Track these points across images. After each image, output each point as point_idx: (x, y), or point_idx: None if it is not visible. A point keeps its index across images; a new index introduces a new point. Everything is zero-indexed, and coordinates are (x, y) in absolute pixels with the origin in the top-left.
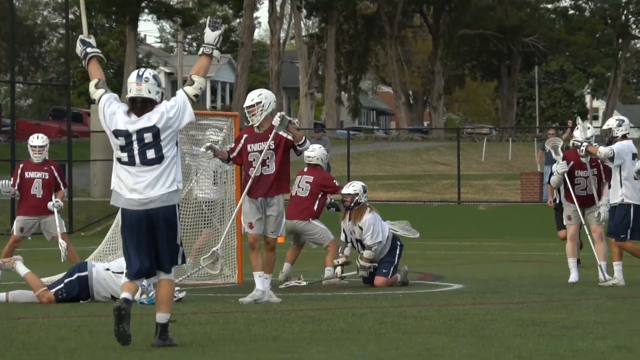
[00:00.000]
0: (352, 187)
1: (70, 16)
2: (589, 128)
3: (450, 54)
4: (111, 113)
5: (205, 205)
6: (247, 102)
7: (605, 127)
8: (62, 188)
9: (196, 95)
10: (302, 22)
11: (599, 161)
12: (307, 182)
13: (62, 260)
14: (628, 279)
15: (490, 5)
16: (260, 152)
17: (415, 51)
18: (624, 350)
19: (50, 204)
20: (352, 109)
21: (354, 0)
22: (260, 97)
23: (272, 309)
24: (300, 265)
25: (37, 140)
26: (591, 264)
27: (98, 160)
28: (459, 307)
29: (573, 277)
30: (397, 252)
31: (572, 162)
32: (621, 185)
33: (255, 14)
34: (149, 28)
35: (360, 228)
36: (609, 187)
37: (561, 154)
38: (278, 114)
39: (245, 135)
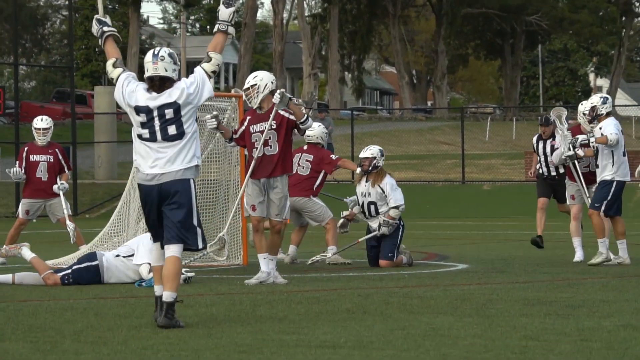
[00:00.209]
0: (370, 151)
1: None
2: (567, 135)
3: (454, 33)
4: (130, 91)
5: (210, 185)
6: (245, 86)
7: (589, 104)
8: (67, 170)
9: (214, 72)
10: (305, 2)
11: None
12: (307, 160)
13: (72, 242)
14: (634, 258)
15: None
16: (262, 132)
17: (419, 30)
18: (629, 328)
19: (55, 187)
20: (355, 89)
21: None
22: (255, 79)
23: (278, 290)
24: (305, 246)
25: (42, 122)
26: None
27: (102, 142)
28: (464, 287)
29: (578, 256)
30: (400, 233)
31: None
32: (613, 163)
33: None
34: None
35: (382, 190)
36: (597, 166)
37: (566, 124)
38: (278, 91)
39: (248, 117)
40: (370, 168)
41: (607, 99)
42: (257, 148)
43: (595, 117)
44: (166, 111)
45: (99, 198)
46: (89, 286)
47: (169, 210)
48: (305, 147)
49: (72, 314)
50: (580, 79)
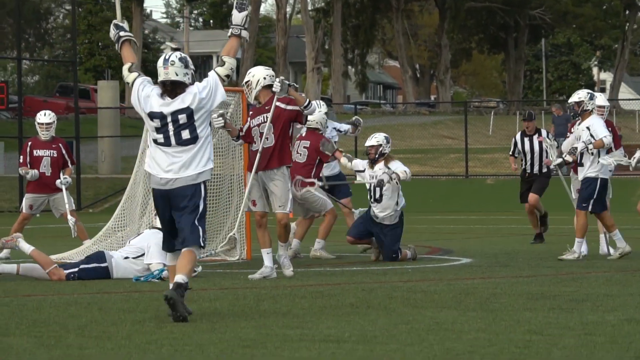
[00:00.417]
0: (375, 139)
1: None
2: (554, 144)
3: (457, 27)
4: (145, 96)
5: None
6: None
7: (576, 98)
8: (70, 165)
9: (227, 76)
10: None
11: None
12: (304, 147)
13: (73, 236)
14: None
15: None
16: (259, 125)
17: (422, 25)
18: (633, 322)
19: (58, 182)
20: (359, 83)
21: None
22: (248, 76)
23: (282, 284)
24: (310, 241)
25: (45, 117)
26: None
27: (105, 137)
28: (468, 281)
29: (582, 250)
30: (402, 228)
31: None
32: (598, 161)
33: None
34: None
35: (389, 168)
36: (580, 164)
37: (552, 137)
38: (277, 79)
39: (250, 113)
40: (377, 156)
41: (594, 95)
42: (256, 142)
43: (581, 112)
44: (179, 116)
45: (103, 192)
46: (93, 281)
47: (180, 214)
48: (303, 134)
49: (76, 309)
50: (584, 73)
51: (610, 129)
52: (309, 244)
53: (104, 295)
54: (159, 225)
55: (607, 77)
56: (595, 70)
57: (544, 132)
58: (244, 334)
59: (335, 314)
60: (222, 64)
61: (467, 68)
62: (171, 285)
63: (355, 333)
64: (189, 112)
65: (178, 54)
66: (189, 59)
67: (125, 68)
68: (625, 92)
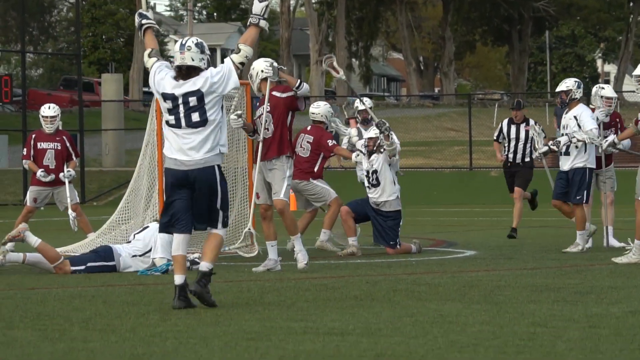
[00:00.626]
0: (374, 131)
1: None
2: (541, 133)
3: (461, 20)
4: (160, 79)
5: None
6: None
7: (564, 87)
8: (74, 158)
9: (242, 63)
10: None
11: (617, 123)
12: (307, 142)
13: (74, 231)
14: None
15: None
16: (260, 117)
17: (426, 17)
18: (638, 315)
19: (62, 175)
20: (363, 75)
21: None
22: (251, 69)
23: (286, 277)
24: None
25: (49, 110)
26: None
27: (109, 129)
28: (472, 274)
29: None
30: (400, 219)
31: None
32: (586, 150)
33: None
34: None
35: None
36: (566, 153)
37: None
38: (266, 63)
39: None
40: (375, 148)
41: (581, 83)
42: (259, 134)
43: (569, 101)
44: (190, 99)
45: (107, 185)
46: (97, 274)
47: (199, 197)
48: (308, 128)
49: (81, 302)
50: (588, 65)
51: (618, 119)
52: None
53: (108, 288)
54: None
55: (611, 69)
56: (599, 62)
57: (531, 122)
58: (248, 327)
59: (340, 306)
60: (238, 51)
61: (471, 60)
62: (176, 277)
63: (360, 326)
64: (199, 94)
65: (194, 39)
66: (205, 44)
67: (145, 53)
68: (629, 84)
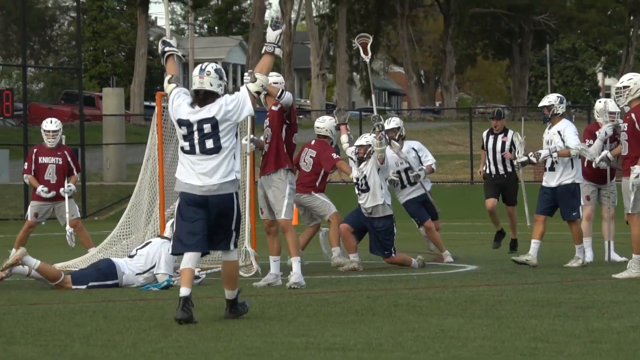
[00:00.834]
0: (365, 139)
1: None
2: (523, 142)
3: (462, 33)
4: (177, 105)
5: None
6: None
7: (546, 102)
8: (75, 173)
9: (257, 92)
10: (312, 3)
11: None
12: (310, 156)
13: (71, 247)
14: None
15: None
16: (263, 131)
17: (427, 31)
18: (639, 330)
19: (62, 190)
20: (364, 89)
21: None
22: None
23: (287, 292)
24: (313, 248)
25: (51, 124)
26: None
27: (111, 144)
28: (473, 289)
29: (588, 256)
30: (394, 224)
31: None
32: (572, 166)
33: None
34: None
35: (413, 150)
36: (551, 169)
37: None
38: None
39: None
40: (365, 155)
41: (564, 99)
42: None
43: (551, 116)
44: (204, 126)
45: (108, 200)
46: (98, 289)
47: (215, 221)
48: (312, 142)
49: (82, 317)
50: (589, 78)
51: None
52: (312, 251)
53: (109, 304)
54: (167, 235)
55: (612, 82)
56: (600, 75)
57: (510, 133)
58: (249, 342)
59: (341, 321)
60: (254, 80)
61: (472, 74)
62: (182, 289)
63: (361, 341)
64: (213, 122)
65: (214, 65)
66: (223, 71)
67: (166, 79)
68: None
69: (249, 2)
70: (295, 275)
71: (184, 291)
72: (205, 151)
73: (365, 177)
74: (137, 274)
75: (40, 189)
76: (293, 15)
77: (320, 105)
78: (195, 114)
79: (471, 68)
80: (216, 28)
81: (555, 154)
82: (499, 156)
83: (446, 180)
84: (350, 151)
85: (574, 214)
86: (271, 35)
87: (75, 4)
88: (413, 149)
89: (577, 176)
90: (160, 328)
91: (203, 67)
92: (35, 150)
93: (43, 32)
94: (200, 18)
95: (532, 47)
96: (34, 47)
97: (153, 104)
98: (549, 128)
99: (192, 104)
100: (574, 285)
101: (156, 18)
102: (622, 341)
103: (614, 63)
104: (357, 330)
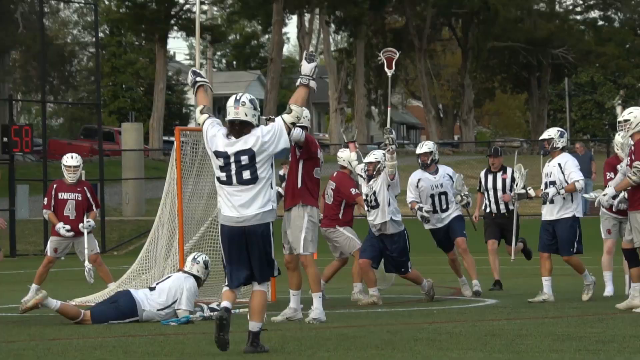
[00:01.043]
0: (374, 156)
1: (99, 34)
2: (524, 175)
3: (480, 67)
4: (212, 135)
5: None
6: None
7: (546, 136)
8: (95, 208)
9: (293, 123)
10: (330, 37)
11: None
12: (331, 188)
13: (89, 283)
14: None
15: (519, 18)
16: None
17: (445, 64)
18: None
19: (81, 225)
20: (382, 123)
21: (383, 15)
22: None
23: (307, 326)
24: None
25: (72, 160)
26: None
27: (130, 179)
28: (493, 323)
29: (608, 290)
30: (407, 241)
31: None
32: (573, 200)
33: (284, 30)
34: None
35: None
36: (550, 201)
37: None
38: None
39: None
40: (374, 172)
41: (564, 132)
42: None
43: (551, 150)
44: (242, 157)
45: (127, 235)
46: (117, 324)
47: (253, 251)
48: (334, 174)
49: (101, 352)
50: (608, 112)
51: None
52: (338, 285)
53: (129, 339)
54: (188, 269)
55: None
56: (619, 109)
57: (509, 170)
58: None
59: (361, 356)
60: (289, 111)
61: (491, 107)
62: (224, 303)
63: None
64: (251, 153)
65: (248, 95)
66: (256, 101)
67: (198, 110)
68: None
69: (267, 37)
70: (316, 310)
71: (225, 303)
72: (242, 182)
73: (374, 192)
74: (158, 310)
75: (61, 226)
76: (311, 50)
77: (339, 139)
78: (232, 146)
79: (489, 101)
80: (234, 63)
81: (562, 191)
82: (499, 194)
83: (465, 214)
84: (359, 169)
85: (571, 249)
86: (306, 68)
87: (94, 39)
88: (447, 174)
89: (578, 209)
90: None
91: (238, 98)
92: (55, 185)
93: (62, 68)
94: (218, 53)
95: (551, 80)
96: (53, 83)
97: (172, 138)
98: (549, 161)
99: (227, 135)
100: (594, 319)
101: (174, 53)
102: None
103: (633, 96)
104: None
